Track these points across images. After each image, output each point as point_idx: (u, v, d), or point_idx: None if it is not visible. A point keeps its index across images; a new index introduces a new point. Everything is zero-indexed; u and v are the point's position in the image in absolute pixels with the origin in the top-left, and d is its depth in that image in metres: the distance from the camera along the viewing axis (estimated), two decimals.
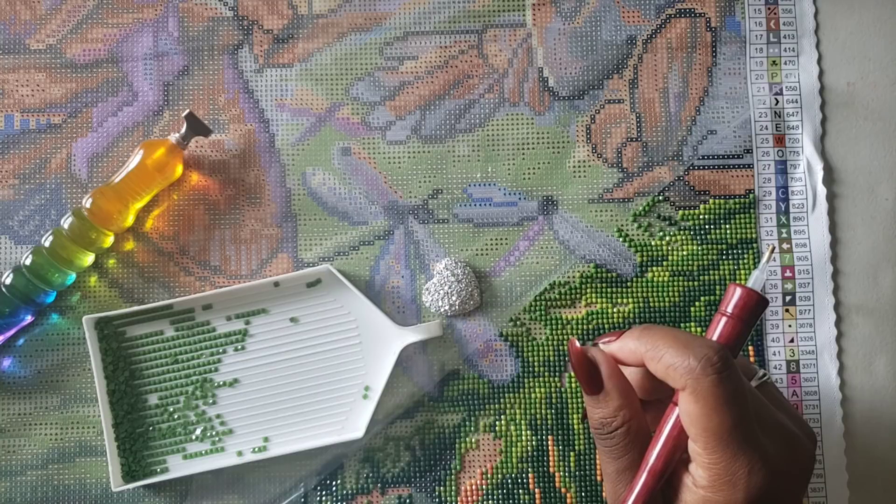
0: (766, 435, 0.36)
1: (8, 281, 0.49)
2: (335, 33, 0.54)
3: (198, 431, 0.51)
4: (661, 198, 0.53)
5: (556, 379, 0.52)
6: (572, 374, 0.52)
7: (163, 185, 0.51)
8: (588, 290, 0.53)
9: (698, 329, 0.53)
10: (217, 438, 0.51)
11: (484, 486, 0.52)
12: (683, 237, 0.53)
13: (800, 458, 0.37)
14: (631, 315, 0.53)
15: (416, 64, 0.54)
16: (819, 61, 0.54)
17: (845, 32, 0.55)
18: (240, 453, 0.51)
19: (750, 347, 0.53)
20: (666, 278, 0.53)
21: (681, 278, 0.53)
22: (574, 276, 0.53)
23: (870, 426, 0.52)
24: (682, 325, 0.53)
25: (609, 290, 0.53)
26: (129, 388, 0.51)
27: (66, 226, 0.49)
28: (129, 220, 0.51)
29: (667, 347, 0.37)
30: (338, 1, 0.54)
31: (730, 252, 0.53)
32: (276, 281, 0.51)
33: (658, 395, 0.41)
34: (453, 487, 0.51)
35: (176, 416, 0.51)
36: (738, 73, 0.54)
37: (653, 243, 0.53)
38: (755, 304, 0.38)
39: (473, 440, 0.52)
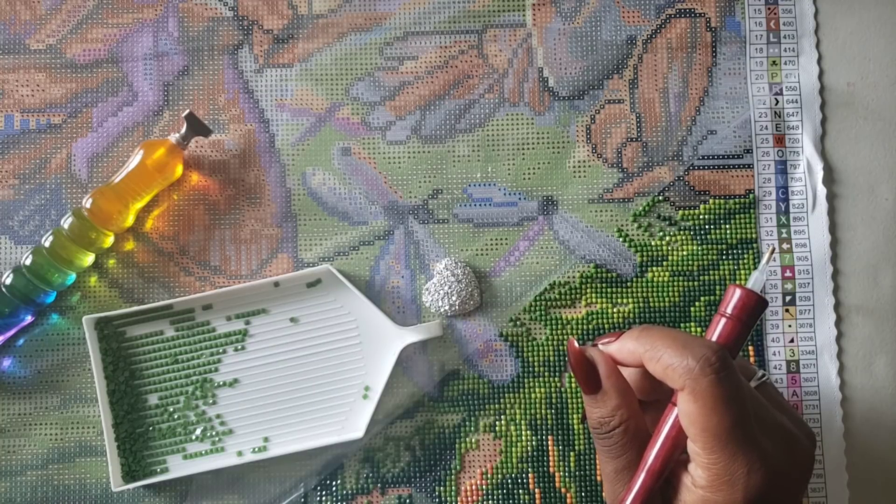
0: (765, 435, 0.36)
1: (8, 281, 0.49)
2: (335, 33, 0.54)
3: (198, 431, 0.51)
4: (661, 198, 0.53)
5: (556, 379, 0.52)
6: (572, 373, 0.52)
7: (163, 186, 0.51)
8: (588, 290, 0.53)
9: (698, 329, 0.52)
10: (217, 438, 0.51)
11: (484, 487, 0.52)
12: (683, 237, 0.53)
13: (799, 458, 0.37)
14: (631, 315, 0.53)
15: (416, 64, 0.54)
16: (819, 61, 0.54)
17: (845, 32, 0.55)
18: (240, 453, 0.51)
19: (750, 347, 0.53)
20: (666, 278, 0.53)
21: (681, 278, 0.53)
22: (574, 276, 0.53)
23: (870, 426, 0.52)
24: (681, 325, 0.53)
25: (609, 290, 0.53)
26: (129, 388, 0.51)
27: (66, 226, 0.49)
28: (129, 221, 0.51)
29: (665, 348, 0.37)
30: (338, 1, 0.54)
31: (730, 252, 0.53)
32: (276, 281, 0.51)
33: (657, 396, 0.41)
34: (453, 487, 0.51)
35: (176, 416, 0.51)
36: (738, 73, 0.54)
37: (653, 243, 0.53)
38: (754, 305, 0.38)
39: (473, 440, 0.52)
